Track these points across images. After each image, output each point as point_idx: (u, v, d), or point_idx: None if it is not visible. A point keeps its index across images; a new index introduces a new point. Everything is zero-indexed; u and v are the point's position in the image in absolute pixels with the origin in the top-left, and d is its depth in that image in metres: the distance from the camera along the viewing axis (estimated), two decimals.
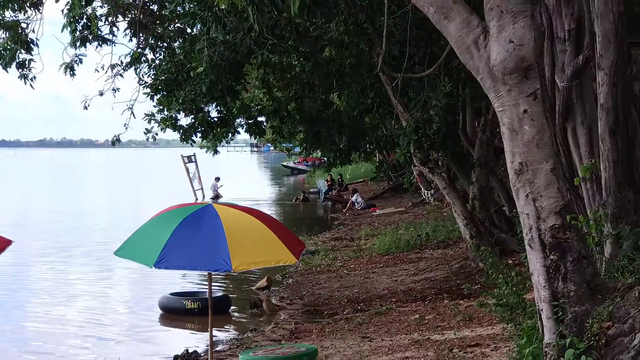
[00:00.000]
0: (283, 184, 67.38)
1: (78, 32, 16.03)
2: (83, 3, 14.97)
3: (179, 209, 8.95)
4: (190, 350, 13.92)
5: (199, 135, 20.22)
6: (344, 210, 37.94)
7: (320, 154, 28.24)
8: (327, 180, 48.74)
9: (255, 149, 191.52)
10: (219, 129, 20.41)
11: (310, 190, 51.47)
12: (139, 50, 17.75)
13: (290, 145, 33.11)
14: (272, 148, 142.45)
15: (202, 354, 13.78)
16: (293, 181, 71.41)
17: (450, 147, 18.08)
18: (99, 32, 16.32)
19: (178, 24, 17.63)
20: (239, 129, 22.07)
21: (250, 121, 21.37)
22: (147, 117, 19.32)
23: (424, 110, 15.32)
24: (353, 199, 38.65)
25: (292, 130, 23.60)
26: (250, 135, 21.62)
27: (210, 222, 8.57)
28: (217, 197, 43.38)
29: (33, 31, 15.08)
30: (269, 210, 39.18)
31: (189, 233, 8.47)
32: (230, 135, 21.42)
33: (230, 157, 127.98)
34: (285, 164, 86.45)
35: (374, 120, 22.35)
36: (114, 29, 16.61)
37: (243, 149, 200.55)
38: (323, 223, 34.24)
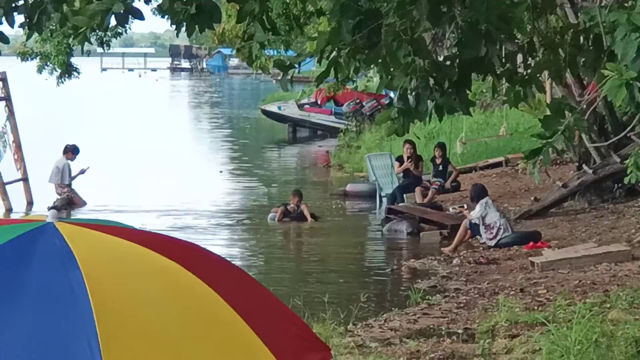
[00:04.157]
0: (266, 167, 25.78)
1: None
2: None
3: None
4: None
5: (16, 20, 5.63)
6: (446, 250, 12.91)
7: (377, 79, 11.60)
8: (404, 157, 17.15)
9: (187, 64, 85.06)
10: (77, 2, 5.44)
11: (348, 187, 18.85)
12: None
13: (289, 53, 14.90)
14: (232, 60, 70.75)
15: None
16: (297, 158, 28.45)
17: None
18: None
19: None
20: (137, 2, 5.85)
21: None
22: None
23: None
24: (474, 214, 13.08)
25: (298, 10, 10.97)
26: (172, 23, 5.46)
27: (49, 279, 2.58)
28: (69, 202, 17.89)
29: None
30: (227, 247, 14.48)
31: None
32: (111, 21, 5.08)
33: (112, 87, 59.01)
34: (269, 108, 34.06)
35: None
36: None
37: (147, 65, 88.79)
38: (386, 283, 12.29)
